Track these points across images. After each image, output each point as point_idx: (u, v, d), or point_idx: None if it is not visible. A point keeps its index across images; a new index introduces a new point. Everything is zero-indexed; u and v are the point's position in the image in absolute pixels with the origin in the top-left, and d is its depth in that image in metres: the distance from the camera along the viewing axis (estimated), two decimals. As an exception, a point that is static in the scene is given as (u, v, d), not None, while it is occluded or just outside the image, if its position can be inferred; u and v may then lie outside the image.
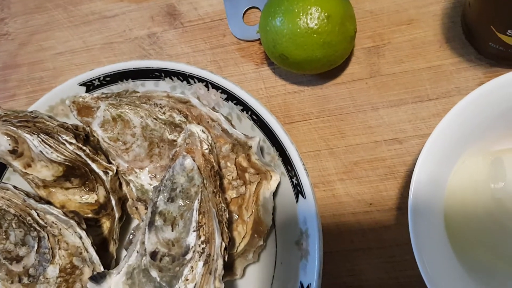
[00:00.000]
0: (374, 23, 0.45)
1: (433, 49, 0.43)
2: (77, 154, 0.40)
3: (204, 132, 0.36)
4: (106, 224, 0.43)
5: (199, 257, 0.35)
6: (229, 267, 0.40)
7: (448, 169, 0.35)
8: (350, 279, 0.40)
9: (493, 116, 0.35)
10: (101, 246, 0.42)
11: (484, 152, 0.35)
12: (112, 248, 0.42)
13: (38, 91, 0.53)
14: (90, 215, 0.43)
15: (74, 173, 0.41)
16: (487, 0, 0.36)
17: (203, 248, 0.35)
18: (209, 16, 0.50)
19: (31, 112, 0.41)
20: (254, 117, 0.39)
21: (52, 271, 0.39)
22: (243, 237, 0.39)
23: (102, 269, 0.39)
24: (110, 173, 0.40)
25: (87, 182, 0.42)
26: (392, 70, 0.43)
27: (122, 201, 0.42)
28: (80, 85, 0.44)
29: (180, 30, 0.50)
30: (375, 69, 0.44)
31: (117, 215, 0.41)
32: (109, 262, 0.42)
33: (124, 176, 0.41)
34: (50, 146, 0.40)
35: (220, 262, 0.34)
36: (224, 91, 0.40)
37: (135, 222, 0.45)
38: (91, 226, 0.43)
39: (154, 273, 0.36)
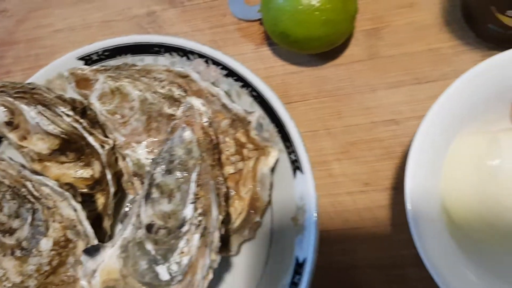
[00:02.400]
0: (375, 5, 0.45)
1: (432, 32, 0.43)
2: (73, 126, 0.40)
3: (204, 106, 0.36)
4: (100, 200, 0.43)
5: (196, 229, 0.35)
6: (224, 244, 0.39)
7: (444, 147, 0.35)
8: (344, 258, 0.40)
9: (488, 96, 0.35)
10: (95, 222, 0.42)
11: (481, 132, 0.36)
12: (107, 223, 0.42)
13: (34, 68, 0.52)
14: (84, 191, 0.42)
15: (69, 147, 0.41)
16: (488, -19, 0.36)
17: (199, 221, 0.35)
18: (210, -4, 0.50)
19: (29, 83, 0.41)
20: (254, 93, 0.39)
21: (46, 244, 0.39)
22: (240, 213, 0.39)
23: (96, 242, 0.39)
24: (107, 146, 0.40)
25: (82, 157, 0.42)
26: (391, 52, 0.44)
27: (118, 176, 0.42)
28: (78, 59, 0.43)
29: (180, 9, 0.50)
30: (374, 51, 0.44)
31: (112, 190, 0.41)
32: (103, 238, 0.42)
33: (120, 151, 0.40)
34: (47, 118, 0.39)
35: (216, 235, 0.34)
36: (224, 67, 0.40)
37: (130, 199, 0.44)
38: (86, 201, 0.42)
39: (149, 246, 0.36)
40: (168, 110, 0.39)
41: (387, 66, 0.43)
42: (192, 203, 0.34)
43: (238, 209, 0.39)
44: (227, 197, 0.39)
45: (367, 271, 0.40)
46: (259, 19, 0.47)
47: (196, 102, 0.35)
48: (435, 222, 0.35)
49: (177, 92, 0.39)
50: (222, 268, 0.41)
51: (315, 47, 0.41)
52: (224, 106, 0.38)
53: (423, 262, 0.32)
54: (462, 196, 0.35)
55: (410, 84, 0.42)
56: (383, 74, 0.43)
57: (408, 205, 0.33)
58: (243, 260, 0.40)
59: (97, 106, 0.40)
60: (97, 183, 0.42)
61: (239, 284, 0.40)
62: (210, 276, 0.34)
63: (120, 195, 0.43)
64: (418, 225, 0.33)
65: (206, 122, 0.35)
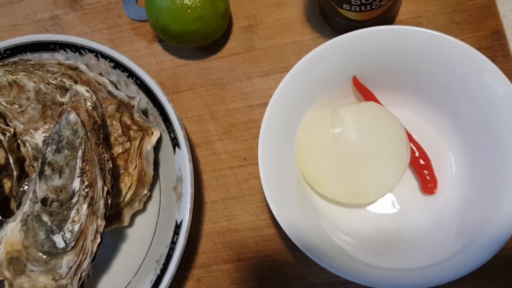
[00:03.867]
0: (250, 5, 0.52)
1: (296, 27, 0.50)
2: (-25, 117, 0.44)
3: (88, 92, 0.41)
4: (7, 184, 0.47)
5: (84, 200, 0.40)
6: (117, 216, 0.45)
7: (296, 120, 0.42)
8: (227, 223, 0.47)
9: (327, 77, 0.43)
10: (3, 205, 0.46)
11: (327, 107, 0.43)
12: (13, 205, 0.46)
13: None
14: (-9, 176, 0.46)
15: (-26, 137, 0.45)
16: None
17: (87, 192, 0.40)
18: None
19: None
20: (138, 81, 0.45)
21: (-48, 224, 0.43)
22: (129, 188, 0.44)
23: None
24: (8, 134, 0.44)
25: (-13, 146, 0.46)
26: (264, 45, 0.50)
27: (21, 161, 0.46)
28: (-19, 58, 0.48)
29: (80, 12, 0.55)
30: (249, 45, 0.51)
31: (15, 173, 0.45)
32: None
33: (20, 137, 0.45)
34: (-51, 110, 0.43)
35: (102, 203, 0.39)
36: (111, 60, 0.45)
37: (34, 183, 0.49)
38: (-7, 186, 0.46)
39: (45, 218, 0.41)
40: (60, 99, 0.44)
41: (260, 57, 0.50)
42: (79, 176, 0.39)
43: (127, 184, 0.44)
44: (117, 175, 0.45)
45: (245, 233, 0.46)
46: (152, 20, 0.53)
47: (81, 89, 0.40)
48: (287, 185, 0.41)
49: (68, 83, 0.44)
50: (118, 239, 0.46)
51: (193, 41, 0.47)
52: (110, 93, 0.43)
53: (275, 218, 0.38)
54: (312, 160, 0.42)
55: (279, 72, 0.49)
56: (257, 64, 0.50)
57: (262, 173, 0.39)
58: (137, 230, 0.46)
59: (-3, 98, 0.44)
60: (3, 168, 0.46)
61: (134, 251, 0.45)
62: (98, 239, 0.39)
63: (25, 178, 0.47)
64: (271, 190, 0.39)
65: (91, 106, 0.40)
